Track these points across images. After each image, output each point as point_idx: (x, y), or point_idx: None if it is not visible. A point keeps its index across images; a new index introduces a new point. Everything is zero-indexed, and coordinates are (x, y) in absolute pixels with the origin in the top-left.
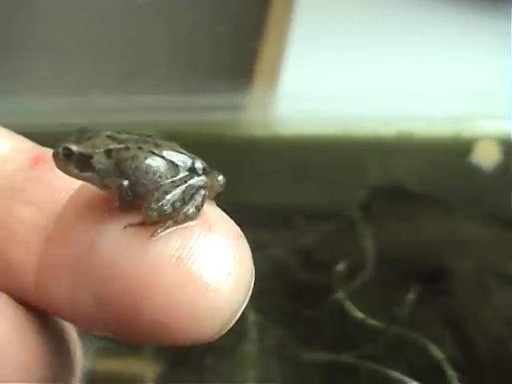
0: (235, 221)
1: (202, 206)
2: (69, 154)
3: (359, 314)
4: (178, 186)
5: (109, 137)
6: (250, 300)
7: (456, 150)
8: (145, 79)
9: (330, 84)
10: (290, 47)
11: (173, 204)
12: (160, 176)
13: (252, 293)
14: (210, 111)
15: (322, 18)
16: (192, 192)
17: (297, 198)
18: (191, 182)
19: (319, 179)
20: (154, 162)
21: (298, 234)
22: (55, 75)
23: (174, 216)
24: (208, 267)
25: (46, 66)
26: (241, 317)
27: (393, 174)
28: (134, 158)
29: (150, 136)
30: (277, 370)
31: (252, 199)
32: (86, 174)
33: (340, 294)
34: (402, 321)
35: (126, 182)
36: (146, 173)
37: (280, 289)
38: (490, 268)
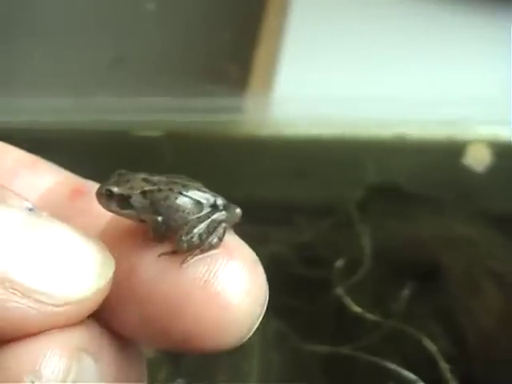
0: None
1: (224, 236)
2: (110, 194)
3: (357, 309)
4: (203, 221)
5: (143, 179)
6: None
7: (449, 152)
8: (147, 82)
9: (324, 87)
10: (286, 51)
11: (199, 236)
12: (188, 213)
13: None
14: (210, 113)
15: (317, 22)
16: (215, 225)
17: (297, 196)
18: (214, 216)
19: (318, 178)
20: (183, 201)
21: (297, 230)
22: (56, 75)
23: (201, 246)
24: (230, 288)
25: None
26: None
27: (389, 174)
28: (166, 198)
29: (178, 177)
30: (278, 361)
31: (253, 196)
32: (125, 211)
33: (339, 290)
34: (398, 315)
35: (160, 218)
36: (177, 210)
37: (281, 283)
38: (479, 265)
